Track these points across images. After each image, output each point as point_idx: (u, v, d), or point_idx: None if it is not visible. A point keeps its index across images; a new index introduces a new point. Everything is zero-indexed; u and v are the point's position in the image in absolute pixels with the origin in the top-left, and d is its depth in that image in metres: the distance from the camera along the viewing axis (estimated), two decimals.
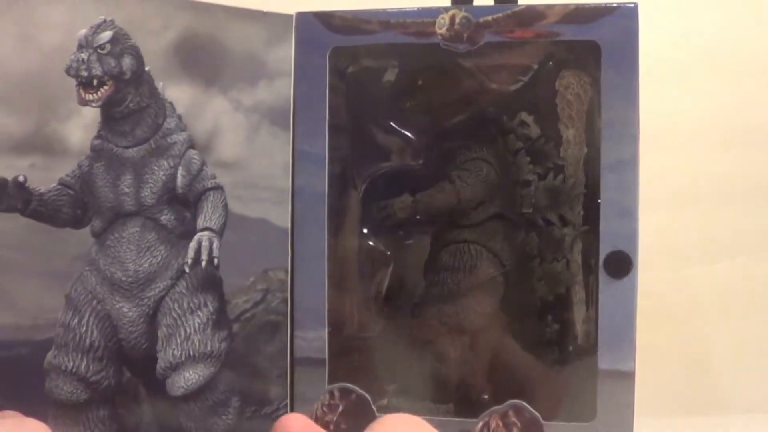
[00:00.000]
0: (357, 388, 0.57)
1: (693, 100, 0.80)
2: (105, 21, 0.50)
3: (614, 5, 0.53)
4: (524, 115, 0.62)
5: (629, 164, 0.54)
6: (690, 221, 0.79)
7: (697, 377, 0.79)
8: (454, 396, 0.61)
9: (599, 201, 0.57)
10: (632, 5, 0.53)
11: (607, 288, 0.54)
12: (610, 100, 0.54)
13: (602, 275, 0.54)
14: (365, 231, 0.63)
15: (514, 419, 0.55)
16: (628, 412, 0.54)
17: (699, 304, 0.80)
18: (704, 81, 0.80)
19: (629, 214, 0.54)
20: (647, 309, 0.71)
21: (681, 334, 0.79)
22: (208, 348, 0.54)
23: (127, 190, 0.53)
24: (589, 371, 0.55)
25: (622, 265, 0.54)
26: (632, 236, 0.54)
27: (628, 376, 0.54)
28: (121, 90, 0.52)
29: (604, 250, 0.54)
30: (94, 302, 0.52)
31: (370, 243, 0.63)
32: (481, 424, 0.56)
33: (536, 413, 0.55)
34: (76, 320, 0.51)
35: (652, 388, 0.71)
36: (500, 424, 0.55)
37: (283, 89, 0.56)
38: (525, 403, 0.55)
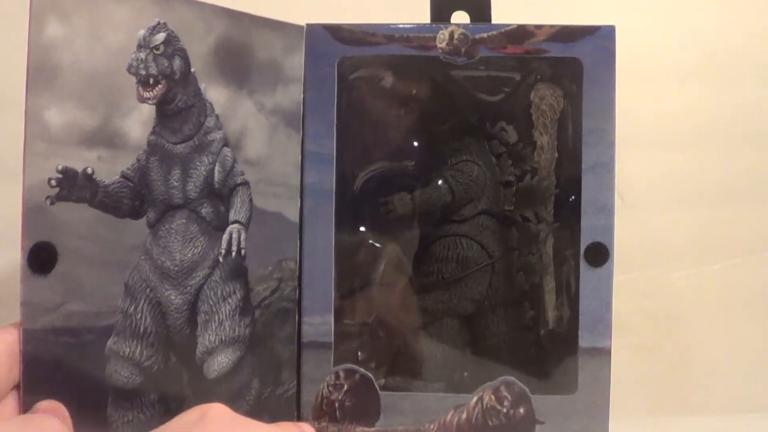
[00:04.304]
0: (360, 369, 0.62)
1: (694, 101, 0.80)
2: (159, 23, 0.54)
3: (595, 27, 0.61)
4: (503, 124, 0.69)
5: (606, 166, 0.61)
6: (688, 221, 0.79)
7: (696, 377, 0.79)
8: (446, 375, 0.68)
9: (570, 199, 0.66)
10: (611, 27, 0.61)
11: (586, 275, 0.61)
12: (590, 110, 0.61)
13: (583, 264, 0.61)
14: (361, 226, 0.69)
15: (505, 393, 0.62)
16: (605, 385, 0.61)
17: (697, 304, 0.79)
18: (705, 82, 0.79)
19: (606, 210, 0.61)
20: (646, 309, 0.76)
21: (679, 334, 0.79)
22: (236, 333, 0.59)
23: (175, 183, 0.56)
24: (568, 350, 0.63)
25: (600, 254, 0.61)
26: (609, 229, 0.61)
27: (605, 353, 0.61)
28: (172, 89, 0.55)
29: (584, 242, 0.61)
30: (148, 290, 0.55)
31: (365, 236, 0.69)
32: (475, 398, 0.62)
33: (525, 387, 0.62)
34: (132, 307, 0.54)
35: (650, 387, 0.77)
36: (493, 398, 0.62)
37: (295, 94, 0.61)
38: (515, 379, 0.62)
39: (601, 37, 0.61)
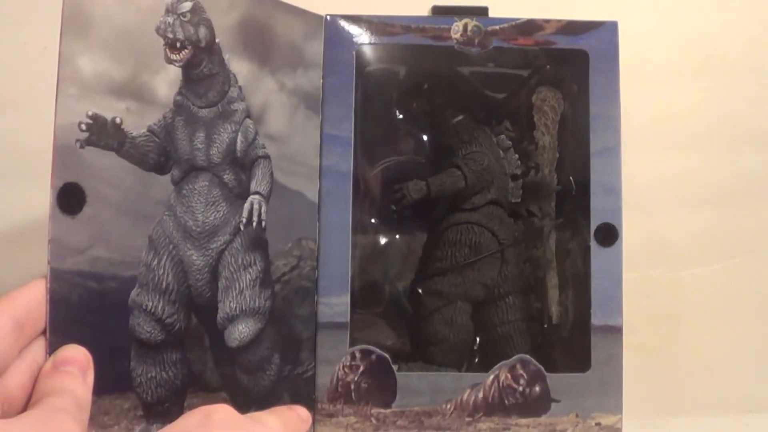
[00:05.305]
0: (377, 349, 0.58)
1: (694, 102, 0.77)
2: None
3: (600, 22, 0.61)
4: (508, 123, 0.68)
5: (613, 151, 0.60)
6: (689, 221, 0.76)
7: (697, 377, 0.75)
8: (460, 357, 0.64)
9: (572, 194, 0.64)
10: (614, 22, 0.61)
11: (597, 255, 0.59)
12: (596, 98, 0.60)
13: (593, 244, 0.59)
14: (372, 214, 0.67)
15: (521, 371, 0.59)
16: (618, 362, 0.58)
17: (699, 304, 0.76)
18: (704, 84, 0.77)
19: (615, 192, 0.60)
20: (647, 309, 0.74)
21: (681, 334, 0.75)
22: (257, 304, 0.55)
23: (200, 146, 0.54)
24: (581, 331, 0.60)
25: (610, 235, 0.59)
26: (617, 211, 0.59)
27: (617, 331, 0.59)
28: (198, 55, 0.53)
29: (594, 223, 0.59)
30: (170, 246, 0.52)
31: (376, 225, 0.67)
32: (491, 377, 0.59)
33: (540, 366, 0.59)
34: (155, 261, 0.51)
35: (652, 387, 0.74)
36: (509, 376, 0.58)
37: (314, 79, 0.59)
38: (530, 357, 0.59)
39: (606, 31, 0.61)
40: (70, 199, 0.47)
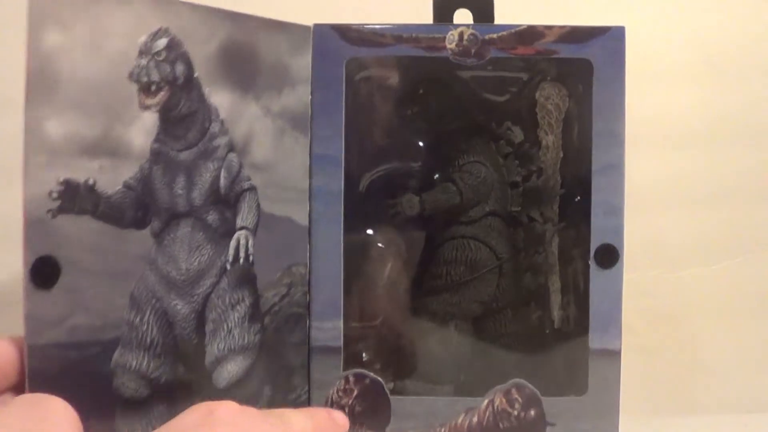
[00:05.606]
0: (370, 373, 0.58)
1: (694, 102, 0.75)
2: (161, 29, 0.49)
3: (605, 27, 0.56)
4: (509, 124, 0.64)
5: (617, 168, 0.57)
6: (689, 221, 0.74)
7: (697, 377, 0.74)
8: (454, 377, 0.63)
9: (576, 199, 0.61)
10: (620, 28, 0.56)
11: (597, 277, 0.57)
12: (599, 111, 0.56)
13: (593, 266, 0.57)
14: (368, 228, 0.64)
15: (516, 396, 0.58)
16: (615, 386, 0.57)
17: (699, 304, 0.75)
18: (706, 82, 0.75)
19: (617, 211, 0.57)
20: (647, 309, 0.73)
21: (681, 334, 0.74)
22: (246, 341, 0.54)
23: (180, 191, 0.51)
24: (578, 351, 0.59)
25: (610, 256, 0.57)
26: (619, 231, 0.57)
27: (616, 355, 0.57)
28: (176, 95, 0.50)
29: (594, 244, 0.57)
30: (153, 300, 0.50)
31: (372, 239, 0.64)
32: (486, 401, 0.58)
33: (535, 389, 0.58)
34: (138, 318, 0.49)
35: (652, 387, 0.74)
36: (503, 400, 0.58)
37: (303, 96, 0.56)
38: (525, 381, 0.58)
39: (611, 38, 0.56)
40: (44, 272, 0.44)
